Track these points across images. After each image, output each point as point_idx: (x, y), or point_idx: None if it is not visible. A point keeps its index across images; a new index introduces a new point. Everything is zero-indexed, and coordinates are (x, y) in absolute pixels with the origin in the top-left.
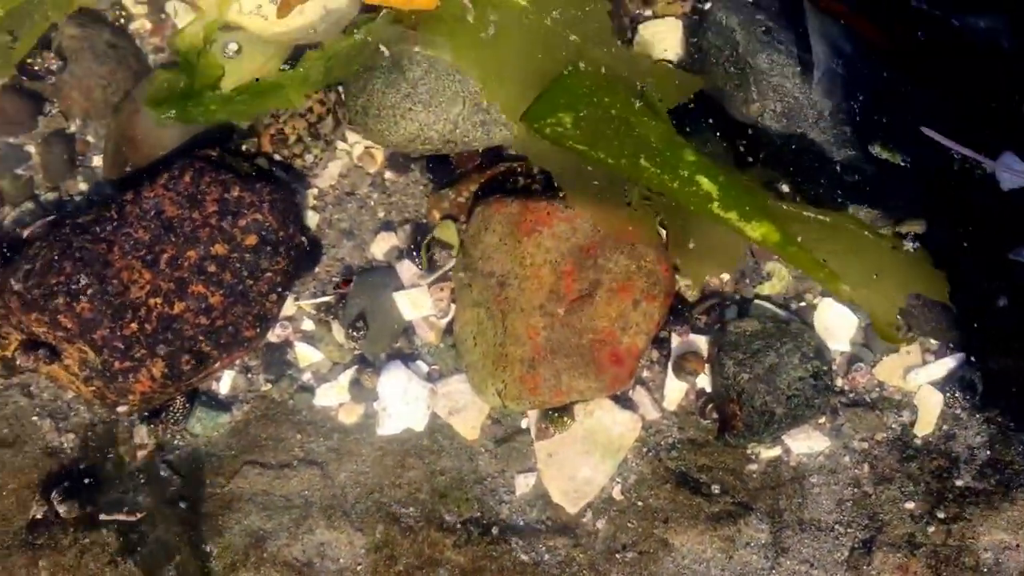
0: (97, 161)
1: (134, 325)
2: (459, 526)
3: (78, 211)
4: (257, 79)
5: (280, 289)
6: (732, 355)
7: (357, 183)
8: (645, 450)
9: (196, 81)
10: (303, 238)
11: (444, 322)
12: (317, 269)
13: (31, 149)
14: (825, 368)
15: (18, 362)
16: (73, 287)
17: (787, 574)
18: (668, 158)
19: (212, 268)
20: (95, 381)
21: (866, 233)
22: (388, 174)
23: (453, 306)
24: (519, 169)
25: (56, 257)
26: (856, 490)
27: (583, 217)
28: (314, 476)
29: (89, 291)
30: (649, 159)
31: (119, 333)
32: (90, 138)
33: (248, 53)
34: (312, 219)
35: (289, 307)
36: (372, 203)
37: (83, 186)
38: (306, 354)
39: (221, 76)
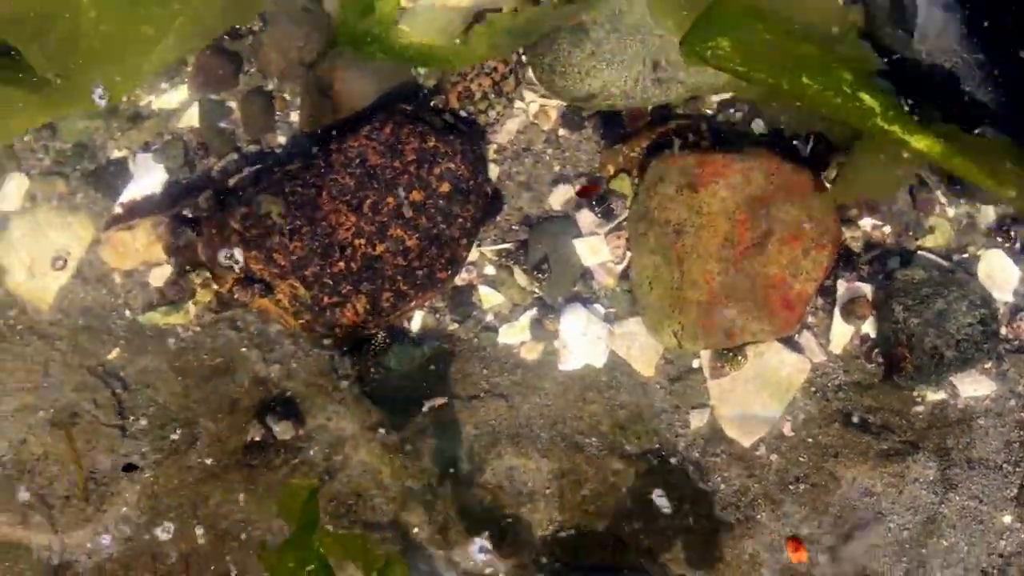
0: (294, 116)
1: (341, 264)
2: (639, 456)
3: (281, 161)
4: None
5: (470, 234)
6: (901, 301)
7: (533, 139)
8: (813, 390)
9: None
10: (489, 188)
11: (620, 268)
12: (498, 218)
13: (232, 105)
14: (991, 315)
15: (236, 296)
16: (288, 227)
17: (956, 508)
18: (829, 77)
19: (410, 213)
20: (304, 315)
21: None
22: (562, 131)
23: (629, 253)
24: (688, 126)
25: (270, 201)
26: (1023, 432)
27: (757, 169)
28: (500, 407)
29: (302, 231)
30: (811, 77)
31: (328, 270)
32: (287, 95)
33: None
34: (492, 172)
35: (472, 253)
36: (547, 158)
37: (281, 139)
38: (489, 296)
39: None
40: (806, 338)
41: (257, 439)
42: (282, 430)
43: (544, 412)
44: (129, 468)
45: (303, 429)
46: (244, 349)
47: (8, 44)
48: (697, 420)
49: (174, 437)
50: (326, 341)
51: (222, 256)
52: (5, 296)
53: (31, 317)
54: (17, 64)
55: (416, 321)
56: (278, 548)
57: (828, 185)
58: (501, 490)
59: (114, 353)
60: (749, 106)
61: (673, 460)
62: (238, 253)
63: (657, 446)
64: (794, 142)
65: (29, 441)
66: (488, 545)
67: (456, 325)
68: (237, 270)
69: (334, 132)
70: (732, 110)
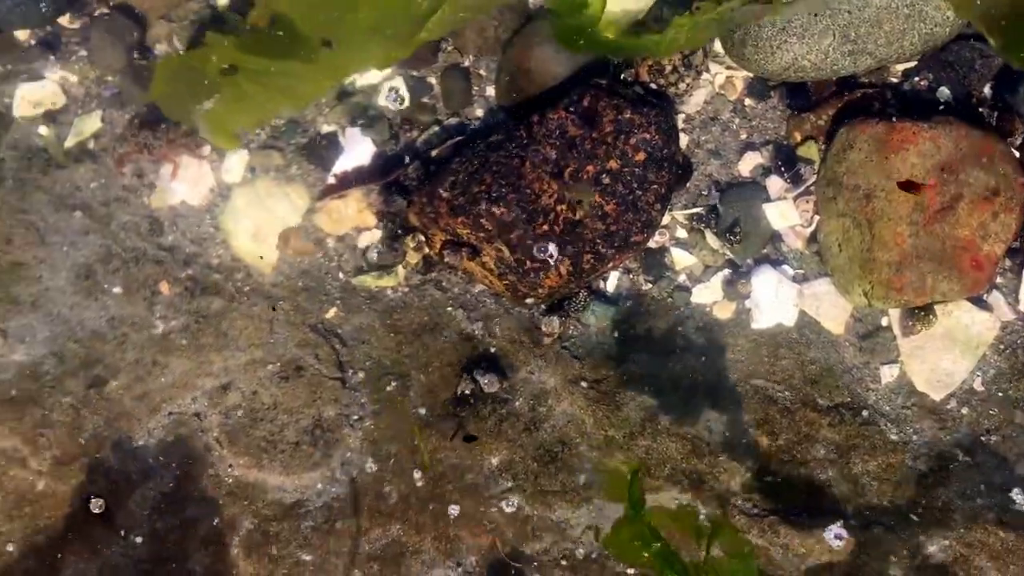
0: (490, 91)
1: (545, 227)
2: (831, 408)
3: (481, 132)
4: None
5: (663, 200)
6: None
7: (720, 109)
8: (1002, 347)
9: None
10: (680, 156)
11: (809, 231)
12: (688, 184)
13: (433, 81)
14: None
15: (446, 259)
16: (493, 194)
17: None
18: None
19: (607, 180)
20: (509, 276)
21: None
22: (748, 101)
23: (817, 217)
24: (875, 94)
25: (477, 169)
26: None
27: (945, 136)
28: (696, 362)
29: (507, 198)
30: None
31: (532, 234)
32: (482, 71)
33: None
34: (682, 140)
35: (664, 217)
36: (734, 127)
37: (479, 112)
38: (681, 258)
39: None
40: (995, 297)
41: (467, 392)
42: (488, 383)
43: (738, 367)
44: (469, 439)
45: (507, 382)
46: (450, 308)
47: (288, 17)
48: (887, 375)
49: (389, 389)
50: (528, 300)
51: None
52: (232, 260)
53: (255, 279)
54: (298, 35)
55: (612, 281)
56: (613, 528)
57: (1015, 152)
58: (700, 439)
59: (331, 312)
60: (933, 74)
61: (864, 413)
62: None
63: (848, 399)
64: (979, 109)
65: (259, 392)
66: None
67: (650, 285)
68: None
69: (530, 106)
70: (916, 78)
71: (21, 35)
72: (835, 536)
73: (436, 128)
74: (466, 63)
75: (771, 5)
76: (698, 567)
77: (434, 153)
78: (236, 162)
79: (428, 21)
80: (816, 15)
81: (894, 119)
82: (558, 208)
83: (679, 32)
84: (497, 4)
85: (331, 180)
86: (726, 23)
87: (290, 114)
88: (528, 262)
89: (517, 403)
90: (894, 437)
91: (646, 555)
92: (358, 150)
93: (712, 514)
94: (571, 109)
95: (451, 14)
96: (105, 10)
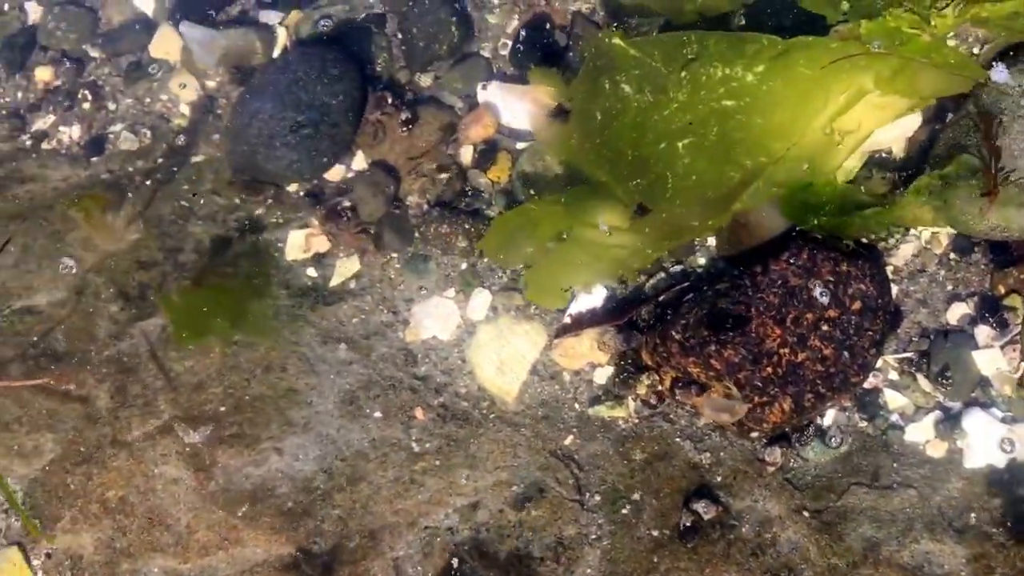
0: (711, 241)
1: (769, 369)
2: None
3: (702, 279)
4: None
5: (877, 345)
6: None
7: (926, 262)
8: None
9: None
10: (892, 304)
11: (1016, 376)
12: (899, 330)
13: None
14: None
15: (677, 395)
16: (722, 337)
17: None
18: None
19: (825, 327)
20: None
21: None
22: (952, 255)
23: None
24: None
25: (706, 314)
26: None
27: None
28: (912, 497)
29: (735, 341)
30: None
31: (758, 374)
32: None
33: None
34: (892, 290)
35: (877, 361)
36: (941, 278)
37: (701, 260)
38: (894, 398)
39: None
40: None
41: (687, 524)
42: (705, 509)
43: (952, 503)
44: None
45: (732, 509)
46: (678, 439)
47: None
48: None
49: (624, 511)
50: (753, 434)
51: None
52: (478, 390)
53: (499, 408)
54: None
55: (828, 418)
56: None
57: None
58: (920, 570)
59: (568, 439)
60: None
61: None
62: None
63: None
64: None
65: (505, 511)
66: None
67: (865, 423)
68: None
69: (749, 256)
70: None
71: (291, 188)
72: None
73: (662, 274)
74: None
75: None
76: None
77: (661, 298)
78: (480, 303)
79: (743, 193)
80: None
81: None
82: (781, 351)
83: (903, 210)
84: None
85: (567, 320)
86: (946, 207)
87: (610, 283)
88: (755, 399)
89: (743, 529)
90: None
91: None
92: (592, 294)
93: None
94: (791, 261)
95: (765, 189)
96: (364, 166)
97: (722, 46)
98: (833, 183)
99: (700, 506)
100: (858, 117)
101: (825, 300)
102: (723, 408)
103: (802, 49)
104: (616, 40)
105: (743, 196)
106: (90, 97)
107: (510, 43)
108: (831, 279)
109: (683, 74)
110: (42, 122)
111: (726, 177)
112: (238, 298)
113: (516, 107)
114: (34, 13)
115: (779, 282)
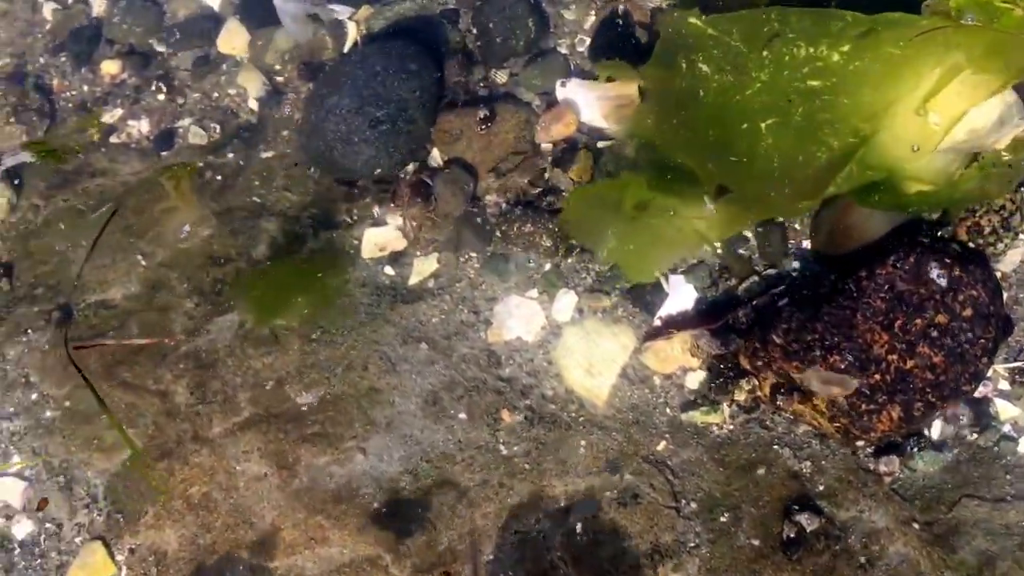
0: (805, 244)
1: (877, 376)
2: None
3: (797, 283)
4: None
5: (989, 353)
6: None
7: None
8: None
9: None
10: (1004, 312)
11: None
12: (1009, 339)
13: (748, 234)
14: None
15: (778, 401)
16: (827, 343)
17: None
18: None
19: (935, 334)
20: (841, 419)
21: None
22: None
23: None
24: None
25: (808, 318)
26: None
27: None
28: None
29: (840, 346)
30: None
31: (866, 381)
32: (797, 226)
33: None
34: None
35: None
36: None
37: (795, 264)
38: (1005, 409)
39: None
40: None
41: (791, 535)
42: (808, 521)
43: None
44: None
45: (836, 520)
46: (776, 447)
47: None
48: None
49: (722, 519)
50: (859, 443)
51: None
52: (565, 392)
53: (588, 411)
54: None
55: (936, 428)
56: None
57: None
58: None
59: (661, 445)
60: None
61: None
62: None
63: None
64: None
65: (600, 517)
66: None
67: (976, 434)
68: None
69: (848, 260)
70: None
71: (366, 184)
72: None
73: (755, 278)
74: (798, 224)
75: None
76: None
77: (756, 302)
78: (566, 304)
79: (835, 176)
80: None
81: None
82: (889, 358)
83: (968, 182)
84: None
85: (657, 322)
86: (1015, 176)
87: (690, 256)
88: (863, 407)
89: (849, 540)
90: None
91: None
92: (682, 296)
93: None
94: (898, 265)
95: (859, 172)
96: (439, 163)
97: (805, 23)
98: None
99: (803, 518)
100: (952, 96)
101: (943, 283)
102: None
103: (889, 26)
104: (692, 19)
105: (836, 180)
106: (164, 90)
107: (588, 39)
108: (943, 284)
109: (764, 54)
110: (110, 116)
111: (812, 158)
112: (318, 280)
113: (596, 105)
114: (98, 6)
115: (886, 286)
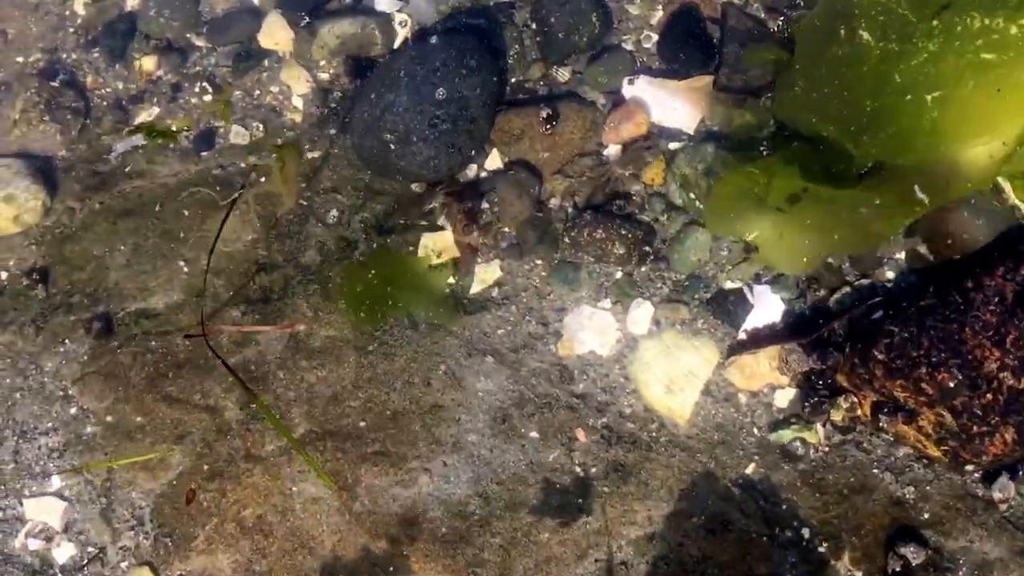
0: (899, 254)
1: (989, 395)
2: None
3: (894, 294)
4: None
5: None
6: None
7: None
8: None
9: None
10: None
11: None
12: None
13: None
14: None
15: (881, 422)
16: (934, 359)
17: None
18: None
19: None
20: (949, 442)
21: None
22: None
23: None
24: None
25: (913, 333)
26: None
27: None
28: None
29: (949, 363)
30: None
31: (977, 401)
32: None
33: None
34: None
35: None
36: None
37: (890, 274)
38: None
39: None
40: None
41: (897, 569)
42: (915, 554)
43: None
44: None
45: (944, 551)
46: (876, 470)
47: (826, 137)
48: None
49: (821, 550)
50: (968, 467)
51: None
52: (644, 411)
53: (670, 430)
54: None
55: None
56: None
57: None
58: None
59: (750, 467)
60: None
61: None
62: None
63: None
64: None
65: (686, 544)
66: None
67: None
68: None
69: (948, 269)
70: None
71: (418, 187)
72: None
73: (847, 288)
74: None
75: None
76: None
77: (850, 315)
78: (641, 315)
79: (1009, 157)
80: None
81: None
82: (1001, 375)
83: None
84: None
85: (742, 336)
86: None
87: (852, 252)
88: (974, 428)
89: (960, 573)
90: None
91: None
92: (768, 307)
93: None
94: (1009, 276)
95: None
96: (499, 164)
97: None
98: None
99: (909, 550)
100: None
101: None
102: None
103: None
104: None
105: (1011, 161)
106: (211, 91)
107: (655, 35)
108: None
109: (934, 23)
110: (146, 114)
111: (981, 135)
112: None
113: (668, 104)
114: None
115: (995, 298)
